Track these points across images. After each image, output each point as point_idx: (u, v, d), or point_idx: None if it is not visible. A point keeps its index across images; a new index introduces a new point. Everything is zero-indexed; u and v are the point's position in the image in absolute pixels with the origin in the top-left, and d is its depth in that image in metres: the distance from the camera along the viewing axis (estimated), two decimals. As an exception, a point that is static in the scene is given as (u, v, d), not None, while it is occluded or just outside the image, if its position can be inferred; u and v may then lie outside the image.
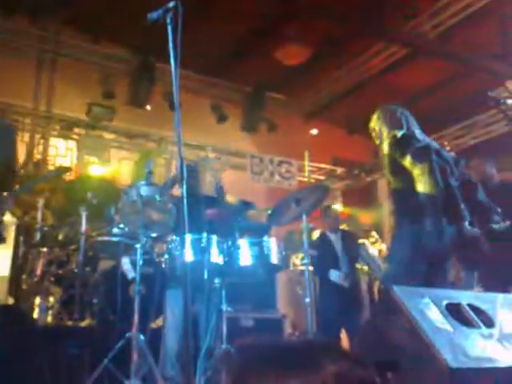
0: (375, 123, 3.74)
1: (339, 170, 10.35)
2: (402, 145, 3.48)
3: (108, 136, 8.36)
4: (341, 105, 9.28)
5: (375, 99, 8.56)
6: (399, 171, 3.47)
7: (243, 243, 3.61)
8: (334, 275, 5.31)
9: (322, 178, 10.08)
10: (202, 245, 3.41)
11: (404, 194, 3.52)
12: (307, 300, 3.83)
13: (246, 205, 4.88)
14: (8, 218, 4.53)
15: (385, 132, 3.63)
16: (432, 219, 3.32)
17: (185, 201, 2.31)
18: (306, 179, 9.14)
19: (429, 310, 1.93)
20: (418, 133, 3.60)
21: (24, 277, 4.65)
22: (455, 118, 8.69)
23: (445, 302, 2.01)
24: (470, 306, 2.05)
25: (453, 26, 7.03)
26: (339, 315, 5.18)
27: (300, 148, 8.94)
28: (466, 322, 1.96)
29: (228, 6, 6.89)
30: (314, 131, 9.92)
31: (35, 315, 4.36)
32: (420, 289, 2.14)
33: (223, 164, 8.87)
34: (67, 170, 5.07)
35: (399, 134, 3.52)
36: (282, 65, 8.14)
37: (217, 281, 3.70)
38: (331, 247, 5.47)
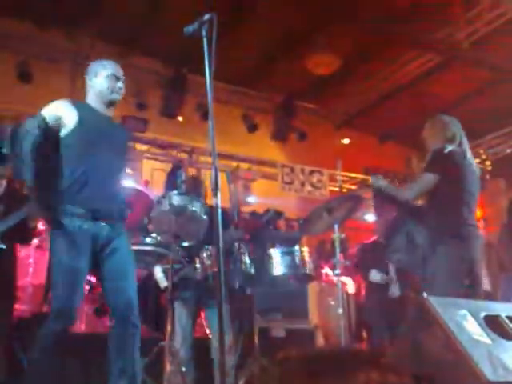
0: (424, 133, 3.62)
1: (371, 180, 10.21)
2: (438, 160, 3.37)
3: (141, 147, 8.47)
4: (372, 113, 9.20)
5: (408, 108, 8.48)
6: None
7: (275, 253, 3.60)
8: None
9: (353, 187, 9.98)
10: (234, 254, 3.41)
11: (437, 207, 3.43)
12: (340, 311, 3.79)
13: (277, 214, 4.86)
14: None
15: (431, 144, 3.52)
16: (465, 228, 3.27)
17: (219, 210, 2.31)
18: (337, 189, 9.05)
19: (466, 322, 1.88)
20: (467, 149, 3.46)
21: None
22: (491, 126, 8.51)
23: (483, 314, 1.95)
24: (509, 318, 1.99)
25: (488, 34, 6.92)
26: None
27: (331, 157, 8.85)
28: (506, 335, 1.91)
29: (258, 16, 6.94)
30: (346, 140, 9.84)
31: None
32: (457, 300, 2.08)
33: (254, 173, 8.86)
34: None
35: (448, 148, 3.38)
36: (312, 74, 8.12)
37: (248, 290, 3.69)
38: None
